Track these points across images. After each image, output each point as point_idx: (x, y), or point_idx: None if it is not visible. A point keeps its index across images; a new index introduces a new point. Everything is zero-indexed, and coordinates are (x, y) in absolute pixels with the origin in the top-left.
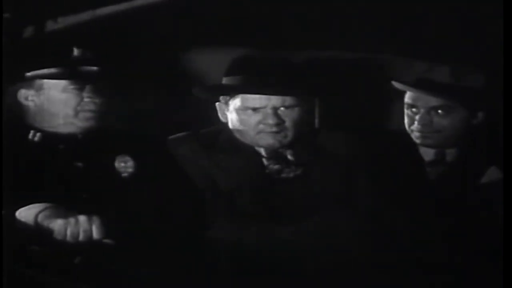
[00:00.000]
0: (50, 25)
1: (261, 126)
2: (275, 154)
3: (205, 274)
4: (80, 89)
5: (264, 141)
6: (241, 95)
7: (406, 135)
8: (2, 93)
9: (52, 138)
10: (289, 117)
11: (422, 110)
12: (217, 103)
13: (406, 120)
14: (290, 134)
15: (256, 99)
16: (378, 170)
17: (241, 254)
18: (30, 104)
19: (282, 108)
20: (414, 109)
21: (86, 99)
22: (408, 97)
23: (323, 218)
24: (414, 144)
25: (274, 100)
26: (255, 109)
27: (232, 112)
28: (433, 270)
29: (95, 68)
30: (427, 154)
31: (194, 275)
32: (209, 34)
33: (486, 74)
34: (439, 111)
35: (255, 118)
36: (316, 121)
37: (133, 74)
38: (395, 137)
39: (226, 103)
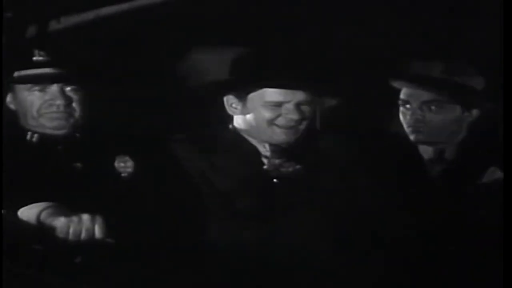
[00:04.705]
0: (52, 25)
1: (279, 119)
2: (279, 148)
3: (204, 274)
4: (42, 90)
5: (277, 136)
6: (262, 90)
7: (405, 134)
8: (2, 93)
9: (50, 139)
10: (308, 114)
11: (414, 105)
12: (224, 98)
13: (400, 117)
14: (301, 131)
15: (281, 94)
16: (377, 169)
17: (239, 255)
18: (11, 106)
19: (303, 104)
20: (407, 105)
21: (48, 102)
22: (402, 93)
23: (321, 217)
24: (414, 143)
25: (299, 95)
26: (278, 104)
27: (247, 107)
28: (432, 269)
29: (56, 70)
30: (426, 152)
31: (193, 275)
32: (209, 33)
33: (484, 72)
34: (432, 106)
35: (274, 112)
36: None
37: (133, 74)
38: (394, 136)
39: (240, 98)
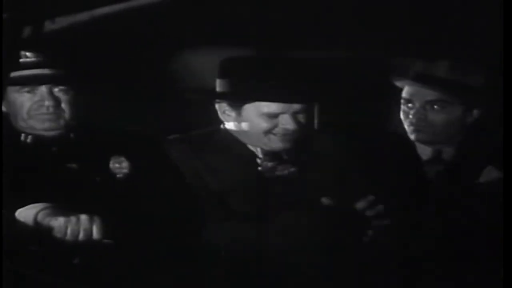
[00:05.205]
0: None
1: (276, 129)
2: (271, 153)
3: (200, 275)
4: (31, 92)
5: (274, 144)
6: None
7: (403, 135)
8: (2, 94)
9: (45, 140)
10: (304, 121)
11: (417, 104)
12: (217, 105)
13: (401, 116)
14: (296, 137)
15: (277, 105)
16: (374, 170)
17: (234, 255)
18: (4, 108)
19: (299, 113)
20: (410, 104)
21: (38, 103)
22: (405, 92)
23: (317, 217)
24: (412, 143)
25: (295, 105)
26: (275, 115)
27: (243, 116)
28: (431, 269)
29: (45, 71)
30: (424, 153)
31: (189, 276)
32: (204, 34)
33: (485, 72)
34: (435, 106)
35: (270, 122)
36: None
37: (127, 74)
38: (393, 137)
39: (235, 107)
